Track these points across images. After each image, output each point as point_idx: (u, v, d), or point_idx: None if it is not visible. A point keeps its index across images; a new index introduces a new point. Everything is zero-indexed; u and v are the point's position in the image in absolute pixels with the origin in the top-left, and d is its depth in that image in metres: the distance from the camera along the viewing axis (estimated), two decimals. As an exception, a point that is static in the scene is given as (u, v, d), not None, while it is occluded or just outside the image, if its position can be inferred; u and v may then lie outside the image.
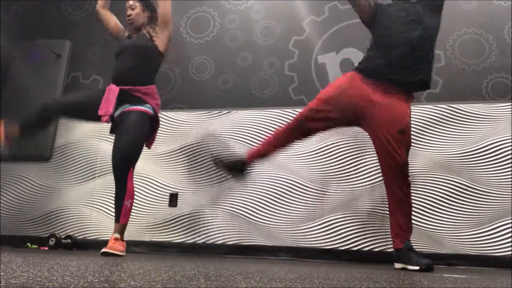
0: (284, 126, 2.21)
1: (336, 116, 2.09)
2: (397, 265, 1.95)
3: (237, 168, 2.23)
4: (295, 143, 2.24)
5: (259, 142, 2.33)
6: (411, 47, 2.01)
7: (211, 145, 3.04)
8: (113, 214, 2.96)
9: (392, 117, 1.99)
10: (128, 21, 2.51)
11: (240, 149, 2.97)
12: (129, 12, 2.50)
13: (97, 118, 2.30)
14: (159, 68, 2.53)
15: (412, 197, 2.63)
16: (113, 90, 2.30)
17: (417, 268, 1.79)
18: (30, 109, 2.40)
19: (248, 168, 2.26)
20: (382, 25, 2.13)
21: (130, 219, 2.92)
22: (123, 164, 2.20)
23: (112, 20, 2.62)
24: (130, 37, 2.51)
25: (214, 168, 2.97)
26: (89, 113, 2.32)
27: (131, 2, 2.51)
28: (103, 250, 2.03)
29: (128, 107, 2.31)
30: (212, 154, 2.30)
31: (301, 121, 2.13)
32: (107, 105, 2.26)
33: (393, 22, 2.09)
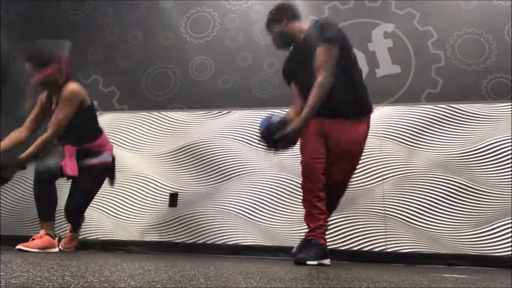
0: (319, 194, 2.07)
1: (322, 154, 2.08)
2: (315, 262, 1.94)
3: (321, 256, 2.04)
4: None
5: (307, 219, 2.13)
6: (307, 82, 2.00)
7: (211, 145, 3.04)
8: (113, 214, 2.97)
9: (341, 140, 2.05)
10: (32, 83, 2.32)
11: (240, 149, 2.97)
12: (32, 81, 2.28)
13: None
14: (93, 118, 2.40)
15: (412, 197, 2.65)
16: (72, 151, 2.31)
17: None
18: (48, 161, 2.37)
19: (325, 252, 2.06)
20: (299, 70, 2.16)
21: (130, 219, 2.93)
22: (75, 217, 2.41)
23: (35, 114, 2.41)
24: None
25: (214, 168, 2.97)
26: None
27: (26, 69, 2.27)
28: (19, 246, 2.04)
29: (89, 161, 2.34)
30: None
31: (321, 184, 2.07)
32: (72, 167, 2.29)
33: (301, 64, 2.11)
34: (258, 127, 2.00)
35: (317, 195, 2.02)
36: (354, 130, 2.08)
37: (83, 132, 2.34)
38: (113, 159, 2.47)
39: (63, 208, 2.35)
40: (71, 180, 2.40)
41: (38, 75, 2.23)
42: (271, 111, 3.04)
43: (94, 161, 2.35)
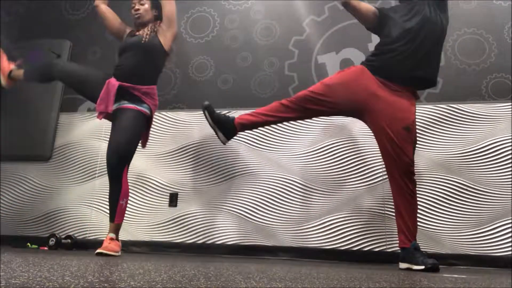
0: (282, 101, 2.18)
1: (335, 104, 2.08)
2: (402, 265, 1.94)
3: (223, 126, 2.19)
4: (287, 120, 2.23)
5: (251, 112, 2.26)
6: (414, 43, 2.02)
7: (211, 145, 3.04)
8: (113, 214, 2.96)
9: (397, 113, 1.99)
10: (135, 15, 2.47)
11: (240, 149, 2.98)
12: (137, 6, 2.46)
13: (92, 99, 2.35)
14: (163, 68, 2.51)
15: (412, 197, 2.64)
16: (112, 85, 2.26)
17: (423, 267, 1.78)
18: (37, 62, 2.47)
19: (234, 134, 2.21)
20: (386, 27, 2.14)
21: (130, 219, 2.93)
22: (118, 163, 2.19)
23: (112, 17, 2.56)
24: (134, 34, 2.47)
25: (214, 168, 2.97)
26: (87, 92, 2.37)
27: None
28: (98, 250, 2.02)
29: (125, 104, 2.29)
30: (204, 103, 2.24)
31: (301, 100, 2.12)
32: (106, 101, 2.24)
33: (396, 21, 2.10)
34: None
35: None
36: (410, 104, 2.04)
37: (147, 71, 2.35)
38: (151, 115, 2.39)
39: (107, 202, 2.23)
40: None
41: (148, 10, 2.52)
42: (271, 111, 3.04)
43: (132, 105, 2.28)
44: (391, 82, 2.04)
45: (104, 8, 2.57)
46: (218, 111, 3.09)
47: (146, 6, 2.48)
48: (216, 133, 2.25)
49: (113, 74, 2.35)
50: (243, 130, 2.26)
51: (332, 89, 2.08)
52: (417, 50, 2.02)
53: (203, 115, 3.12)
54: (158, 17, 2.51)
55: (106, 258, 1.81)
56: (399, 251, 2.02)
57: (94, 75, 2.39)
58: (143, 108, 2.32)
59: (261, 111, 2.22)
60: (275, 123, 2.26)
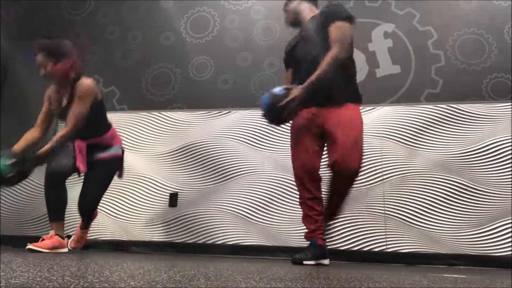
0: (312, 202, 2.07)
1: (315, 149, 2.06)
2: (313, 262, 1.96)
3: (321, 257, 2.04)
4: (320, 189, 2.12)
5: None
6: (306, 69, 2.02)
7: (211, 145, 3.04)
8: (113, 214, 2.97)
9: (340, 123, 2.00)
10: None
11: (240, 149, 2.97)
12: (41, 72, 2.27)
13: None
14: (103, 112, 2.40)
15: (412, 197, 2.64)
16: (82, 147, 2.28)
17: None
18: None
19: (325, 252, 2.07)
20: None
21: (130, 219, 2.93)
22: (89, 211, 2.36)
23: (44, 113, 2.43)
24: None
25: (214, 168, 2.97)
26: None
27: (38, 59, 2.28)
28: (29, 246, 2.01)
29: (98, 155, 2.33)
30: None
31: (311, 183, 2.06)
32: (82, 163, 2.25)
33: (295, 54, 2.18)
34: (260, 104, 1.99)
35: (315, 196, 2.01)
36: (351, 110, 2.00)
37: (94, 126, 2.32)
38: (123, 152, 2.47)
39: (77, 203, 2.32)
40: (82, 176, 2.36)
41: (54, 67, 2.23)
42: (271, 111, 3.04)
43: (105, 154, 2.34)
44: (314, 107, 2.04)
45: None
46: (218, 111, 3.10)
47: (48, 67, 2.25)
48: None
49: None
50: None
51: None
52: (307, 72, 2.00)
53: (203, 115, 3.14)
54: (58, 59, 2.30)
55: (106, 258, 1.81)
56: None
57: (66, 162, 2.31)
58: (115, 152, 2.39)
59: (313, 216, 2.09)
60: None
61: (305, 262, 1.88)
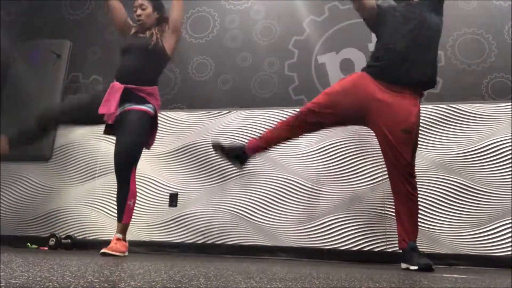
0: (286, 120, 2.21)
1: (339, 113, 2.10)
2: (403, 265, 1.97)
3: (236, 155, 2.25)
4: (296, 138, 2.26)
5: (260, 134, 2.34)
6: (413, 45, 2.02)
7: (211, 145, 3.03)
8: (114, 214, 2.96)
9: (396, 116, 1.99)
10: (138, 21, 2.45)
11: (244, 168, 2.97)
12: (139, 11, 2.44)
13: (97, 120, 2.27)
14: (163, 70, 2.51)
15: (412, 197, 2.64)
16: (116, 88, 2.26)
17: (416, 267, 1.81)
18: (20, 129, 2.39)
19: (247, 158, 2.27)
20: (385, 26, 2.14)
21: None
22: (126, 165, 2.18)
23: (121, 13, 2.52)
24: (137, 35, 2.45)
25: (214, 168, 2.97)
26: (90, 118, 2.30)
27: (140, 1, 2.45)
28: (103, 250, 2.01)
29: (130, 106, 2.28)
30: (213, 141, 2.31)
31: (304, 115, 2.13)
32: (109, 104, 2.21)
33: (394, 22, 2.11)
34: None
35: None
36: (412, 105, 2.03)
37: (143, 71, 2.33)
38: (156, 116, 2.38)
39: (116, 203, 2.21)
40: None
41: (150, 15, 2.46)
42: (271, 111, 3.04)
43: (138, 106, 2.27)
44: (392, 84, 2.04)
45: (114, 3, 2.52)
46: (218, 111, 3.11)
47: (148, 10, 2.45)
48: (231, 162, 2.33)
49: (115, 75, 2.35)
50: (255, 154, 2.31)
51: (333, 98, 2.10)
52: (414, 52, 2.02)
53: (203, 115, 3.14)
54: (161, 19, 2.48)
55: (106, 258, 1.81)
56: (399, 251, 2.03)
57: (87, 99, 2.36)
58: (148, 109, 2.32)
59: (269, 134, 2.26)
60: (285, 141, 2.28)
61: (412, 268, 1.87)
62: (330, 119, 2.13)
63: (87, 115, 2.32)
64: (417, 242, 1.99)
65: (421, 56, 2.03)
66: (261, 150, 2.27)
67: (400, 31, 2.07)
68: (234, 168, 2.95)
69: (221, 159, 2.98)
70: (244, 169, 2.36)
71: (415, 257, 1.87)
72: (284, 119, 2.27)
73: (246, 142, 2.32)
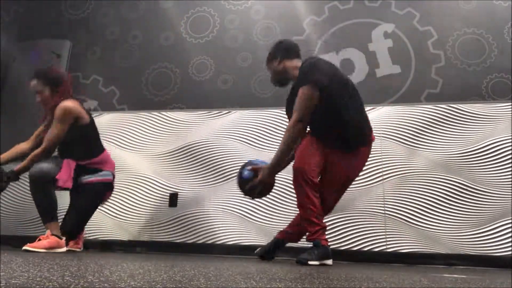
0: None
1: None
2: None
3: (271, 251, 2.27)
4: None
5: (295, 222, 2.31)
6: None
7: (211, 145, 3.04)
8: (113, 214, 2.97)
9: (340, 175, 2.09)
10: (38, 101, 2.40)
11: (240, 149, 2.97)
12: (37, 98, 2.38)
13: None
14: (91, 136, 2.41)
15: (412, 197, 2.65)
16: (71, 163, 2.28)
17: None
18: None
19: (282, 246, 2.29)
20: None
21: (130, 219, 2.92)
22: (78, 232, 2.39)
23: (39, 130, 2.50)
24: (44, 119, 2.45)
25: (214, 168, 2.97)
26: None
27: (32, 84, 2.36)
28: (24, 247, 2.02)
29: (85, 179, 2.32)
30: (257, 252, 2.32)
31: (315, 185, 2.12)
32: (67, 176, 2.23)
33: None
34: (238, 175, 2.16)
35: (313, 201, 2.02)
36: (361, 157, 2.12)
37: (81, 148, 2.34)
38: (113, 177, 2.44)
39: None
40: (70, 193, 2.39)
41: (47, 95, 2.34)
42: (271, 111, 3.04)
43: (92, 178, 2.33)
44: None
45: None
46: (218, 111, 3.11)
47: (44, 93, 2.35)
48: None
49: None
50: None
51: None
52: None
53: (203, 115, 3.14)
54: (56, 86, 2.36)
55: (106, 258, 1.81)
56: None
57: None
58: (105, 177, 2.37)
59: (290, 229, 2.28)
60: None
61: (310, 263, 1.90)
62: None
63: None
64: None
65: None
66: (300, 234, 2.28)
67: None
68: (234, 168, 2.95)
69: (221, 159, 2.98)
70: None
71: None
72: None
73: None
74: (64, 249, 2.18)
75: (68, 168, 2.25)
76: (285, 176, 2.85)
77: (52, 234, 2.13)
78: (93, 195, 2.35)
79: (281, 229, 2.30)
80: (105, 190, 2.40)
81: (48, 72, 2.41)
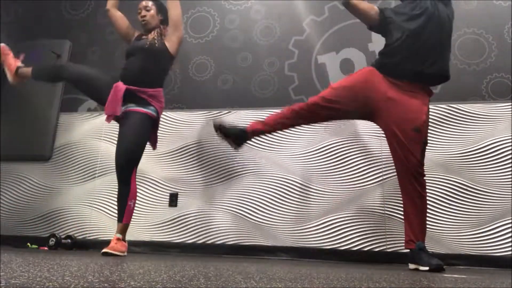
0: (292, 107, 2.22)
1: (346, 107, 2.10)
2: (411, 266, 1.96)
3: (236, 136, 2.26)
4: (298, 126, 2.29)
5: (263, 118, 2.37)
6: (421, 40, 2.01)
7: (211, 145, 3.04)
8: (113, 214, 2.96)
9: (407, 114, 1.98)
10: (142, 22, 2.52)
11: (240, 149, 2.97)
12: (143, 13, 2.51)
13: (99, 101, 2.42)
14: (169, 70, 2.56)
15: (412, 197, 2.63)
16: (119, 89, 2.28)
17: (427, 268, 1.79)
18: (45, 62, 2.66)
19: (246, 139, 2.30)
20: (393, 26, 2.13)
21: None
22: (127, 165, 2.22)
23: (122, 21, 2.62)
24: (141, 38, 2.51)
25: (214, 168, 2.97)
26: (94, 94, 2.43)
27: (144, 3, 2.53)
28: (104, 250, 2.04)
29: (132, 107, 2.32)
30: (215, 120, 2.33)
31: (311, 106, 2.15)
32: (113, 105, 2.26)
33: (399, 24, 2.09)
34: None
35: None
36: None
37: (147, 73, 2.35)
38: (158, 118, 2.41)
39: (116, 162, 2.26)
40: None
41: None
42: (271, 111, 3.04)
43: (138, 108, 2.31)
44: (401, 81, 2.03)
45: (114, 12, 2.63)
46: (218, 111, 3.11)
47: (152, 11, 2.52)
48: (229, 142, 2.35)
49: (119, 77, 2.38)
50: (253, 136, 2.34)
51: (341, 93, 2.10)
52: (425, 47, 2.01)
53: (203, 115, 3.14)
54: (164, 21, 2.56)
55: (106, 258, 1.81)
56: (400, 251, 2.03)
57: (102, 78, 2.42)
58: (150, 111, 2.35)
59: (272, 118, 2.26)
60: (287, 128, 2.30)
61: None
62: (337, 113, 2.15)
63: (91, 92, 2.44)
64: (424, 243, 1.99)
65: (431, 51, 2.02)
66: (261, 133, 2.29)
67: (405, 31, 2.05)
68: (234, 168, 2.95)
69: (221, 159, 2.98)
70: (239, 149, 2.38)
71: (424, 257, 1.85)
72: (292, 106, 2.26)
73: (247, 125, 2.33)
74: (126, 253, 2.18)
75: (116, 96, 2.25)
76: (285, 176, 2.85)
77: (122, 239, 2.17)
78: (141, 122, 2.30)
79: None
80: (150, 125, 2.36)
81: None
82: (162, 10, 2.57)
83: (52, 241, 2.74)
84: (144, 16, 2.50)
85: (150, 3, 2.53)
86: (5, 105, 3.50)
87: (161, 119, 3.16)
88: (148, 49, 2.37)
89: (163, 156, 3.08)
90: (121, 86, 2.30)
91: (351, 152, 2.82)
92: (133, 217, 2.94)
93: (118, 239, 2.13)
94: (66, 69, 2.46)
